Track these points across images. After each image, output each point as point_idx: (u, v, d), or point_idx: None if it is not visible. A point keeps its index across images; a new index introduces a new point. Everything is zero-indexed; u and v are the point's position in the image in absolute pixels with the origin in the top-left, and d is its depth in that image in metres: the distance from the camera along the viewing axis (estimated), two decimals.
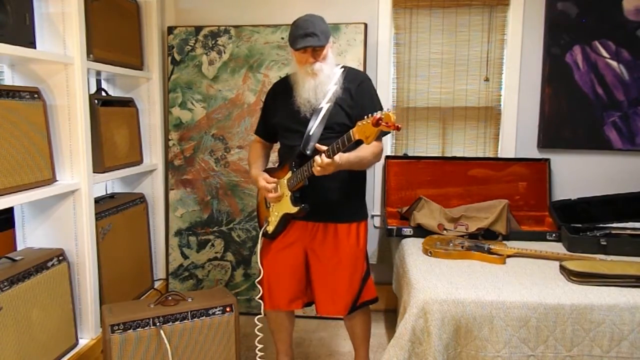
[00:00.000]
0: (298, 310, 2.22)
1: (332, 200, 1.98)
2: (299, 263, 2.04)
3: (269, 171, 2.08)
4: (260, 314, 2.05)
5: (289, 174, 1.95)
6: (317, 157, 1.74)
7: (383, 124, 1.55)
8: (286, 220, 2.02)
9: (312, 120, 1.92)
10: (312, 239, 2.02)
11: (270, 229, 2.06)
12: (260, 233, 2.12)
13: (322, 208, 1.97)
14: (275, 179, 2.00)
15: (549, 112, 2.87)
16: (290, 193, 1.96)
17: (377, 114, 1.56)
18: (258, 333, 2.05)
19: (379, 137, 1.92)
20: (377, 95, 2.02)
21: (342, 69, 2.00)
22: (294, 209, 1.94)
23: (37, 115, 1.94)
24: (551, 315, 1.78)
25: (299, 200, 1.94)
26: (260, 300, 2.06)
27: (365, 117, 1.61)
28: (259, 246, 2.11)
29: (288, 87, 2.02)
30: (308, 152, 1.88)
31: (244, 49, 2.91)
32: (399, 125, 1.57)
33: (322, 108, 1.92)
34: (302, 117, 1.95)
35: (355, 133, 1.64)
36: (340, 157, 1.74)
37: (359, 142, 1.73)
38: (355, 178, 2.02)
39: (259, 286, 2.06)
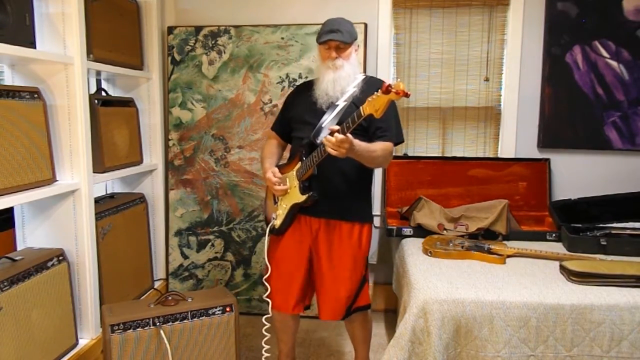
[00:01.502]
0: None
1: (337, 197, 1.99)
2: (304, 263, 2.04)
3: (279, 167, 2.10)
4: (264, 312, 2.04)
5: (299, 164, 1.97)
6: (329, 137, 1.72)
7: (393, 90, 1.56)
8: (294, 213, 2.02)
9: (327, 113, 1.95)
10: (315, 236, 2.03)
11: (278, 223, 2.07)
12: (267, 230, 2.13)
13: (327, 204, 1.98)
14: (280, 175, 2.02)
15: (549, 112, 2.87)
16: (299, 182, 1.97)
17: (387, 82, 1.58)
18: (265, 333, 2.04)
19: (390, 139, 1.97)
20: (394, 104, 2.01)
21: (364, 77, 2.03)
22: (302, 198, 1.95)
23: (37, 115, 1.94)
24: (551, 315, 1.79)
25: (308, 188, 1.95)
26: (267, 299, 2.06)
27: (375, 92, 1.62)
28: (266, 244, 2.11)
29: (309, 87, 2.06)
30: (318, 141, 1.89)
31: (244, 49, 2.91)
32: (409, 92, 1.59)
33: (338, 105, 1.94)
34: (318, 109, 1.98)
35: (365, 108, 1.65)
36: (352, 139, 1.74)
37: (370, 140, 1.72)
38: (362, 178, 2.03)
39: (266, 284, 2.06)
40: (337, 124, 1.90)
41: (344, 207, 2.00)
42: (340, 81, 1.95)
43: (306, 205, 1.97)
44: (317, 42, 1.99)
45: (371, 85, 2.00)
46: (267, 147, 2.23)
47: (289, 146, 2.23)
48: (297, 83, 2.80)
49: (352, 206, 2.02)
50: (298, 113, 2.08)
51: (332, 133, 1.71)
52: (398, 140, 2.04)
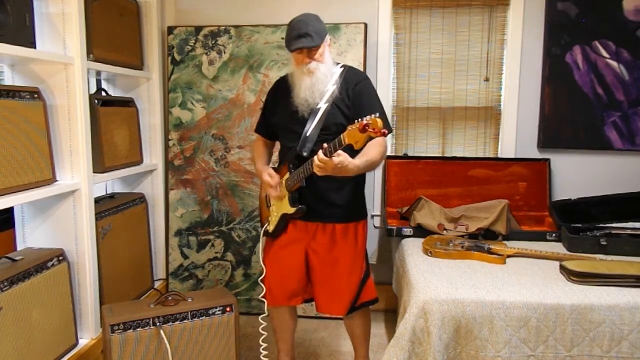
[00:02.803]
0: (299, 310, 2.21)
1: (330, 200, 1.98)
2: (299, 262, 2.04)
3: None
4: (264, 312, 2.05)
5: (287, 175, 1.96)
6: (315, 157, 1.71)
7: (370, 130, 1.52)
8: (286, 220, 2.03)
9: (309, 121, 1.92)
10: (312, 238, 2.02)
11: (271, 228, 2.08)
12: (262, 232, 2.13)
13: (321, 208, 1.97)
14: (279, 176, 2.01)
15: (549, 112, 2.87)
16: (288, 193, 1.96)
17: (364, 120, 1.53)
18: (262, 332, 2.05)
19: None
20: (375, 95, 2.00)
21: (342, 68, 1.99)
22: (291, 210, 1.96)
23: (37, 115, 1.94)
24: (551, 315, 1.78)
25: (297, 200, 1.95)
26: (263, 299, 2.06)
27: (356, 121, 1.58)
28: (261, 245, 2.12)
29: (288, 86, 2.02)
30: (305, 154, 1.89)
31: (244, 49, 2.91)
32: (385, 131, 1.55)
33: (319, 109, 1.91)
34: (300, 117, 1.95)
35: (345, 137, 1.61)
36: (348, 162, 1.69)
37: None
38: (354, 180, 2.01)
39: (261, 284, 2.06)
40: (321, 130, 1.90)
41: (338, 211, 2.00)
42: (317, 85, 1.91)
43: (296, 216, 1.97)
44: (287, 49, 1.92)
45: (349, 79, 1.97)
46: (256, 148, 2.23)
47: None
48: None
49: (346, 209, 2.01)
50: (281, 121, 2.05)
51: (324, 152, 1.68)
52: (389, 130, 1.95)
